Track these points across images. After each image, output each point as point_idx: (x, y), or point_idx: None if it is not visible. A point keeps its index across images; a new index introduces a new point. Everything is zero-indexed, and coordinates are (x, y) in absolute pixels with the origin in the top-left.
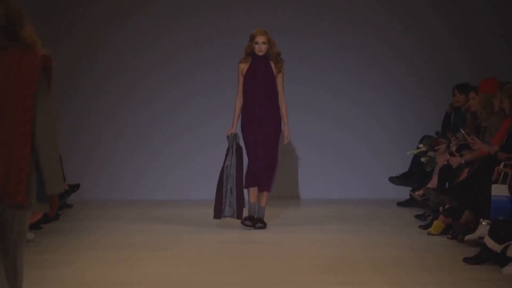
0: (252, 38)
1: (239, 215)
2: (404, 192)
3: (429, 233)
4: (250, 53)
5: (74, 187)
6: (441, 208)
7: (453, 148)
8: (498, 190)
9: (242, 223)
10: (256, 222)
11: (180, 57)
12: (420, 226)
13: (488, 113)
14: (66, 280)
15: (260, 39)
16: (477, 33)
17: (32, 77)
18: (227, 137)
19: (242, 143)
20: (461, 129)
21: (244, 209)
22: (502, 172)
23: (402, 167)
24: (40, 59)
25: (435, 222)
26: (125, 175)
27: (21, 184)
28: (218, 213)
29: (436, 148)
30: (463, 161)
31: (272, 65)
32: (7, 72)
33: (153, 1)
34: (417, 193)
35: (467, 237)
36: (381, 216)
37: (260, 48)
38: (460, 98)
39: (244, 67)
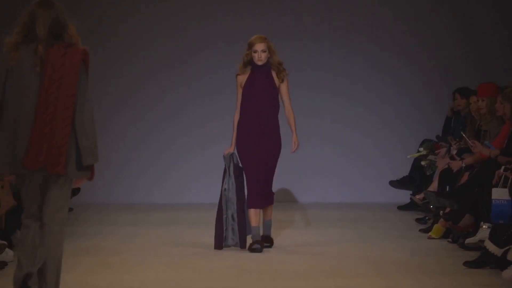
0: (250, 46)
1: (242, 244)
2: (404, 196)
3: (429, 237)
4: (249, 63)
5: (74, 191)
6: (441, 212)
7: (454, 152)
8: (499, 194)
9: (250, 250)
10: (263, 241)
11: (178, 61)
12: (420, 230)
13: (492, 117)
14: (68, 284)
15: (259, 47)
16: (482, 35)
17: (74, 69)
18: (223, 157)
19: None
20: (462, 133)
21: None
22: (503, 176)
23: (403, 171)
24: (81, 54)
25: (436, 226)
26: (124, 178)
27: (60, 157)
28: (219, 243)
29: (436, 152)
30: (463, 165)
31: (274, 74)
32: (52, 66)
33: (155, 3)
34: (417, 196)
35: (468, 240)
36: (382, 220)
37: (260, 57)
38: (461, 102)
39: (243, 78)
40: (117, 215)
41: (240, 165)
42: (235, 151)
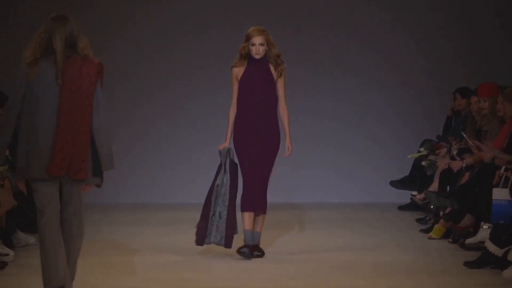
0: (248, 38)
1: (227, 243)
2: (405, 196)
3: (430, 238)
4: (246, 56)
5: None
6: (441, 212)
7: (454, 152)
8: (499, 194)
9: (239, 253)
10: (253, 250)
11: (177, 57)
12: (421, 230)
13: (493, 117)
14: None
15: (257, 40)
16: (483, 35)
17: (91, 80)
18: (219, 152)
19: (236, 159)
20: (462, 133)
21: (235, 236)
22: (503, 176)
23: (403, 171)
24: (97, 66)
25: (436, 226)
26: (124, 178)
27: (83, 163)
28: (201, 239)
29: (437, 152)
30: (464, 165)
31: (272, 68)
32: (71, 77)
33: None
34: (418, 196)
35: (468, 240)
36: (382, 220)
37: (258, 50)
38: (462, 102)
39: (239, 71)
40: (117, 215)
41: (236, 160)
42: (232, 146)
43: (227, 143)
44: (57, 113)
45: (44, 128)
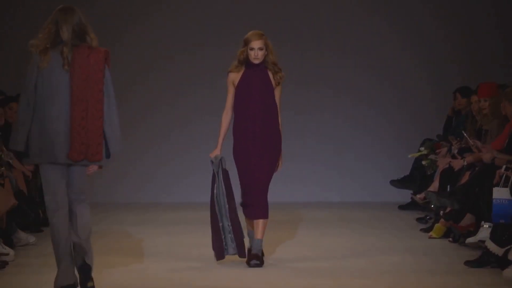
0: (247, 42)
1: (241, 252)
2: (405, 195)
3: (430, 237)
4: (244, 61)
5: None
6: (441, 212)
7: (455, 151)
8: (500, 194)
9: (249, 265)
10: (251, 258)
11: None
12: (421, 230)
13: (493, 117)
14: None
15: (256, 44)
16: (482, 35)
17: (98, 67)
18: (211, 161)
19: (228, 166)
20: (463, 132)
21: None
22: (504, 176)
23: (404, 170)
24: (103, 53)
25: (437, 225)
26: (124, 178)
27: (99, 146)
28: (221, 253)
29: (437, 151)
30: (465, 163)
31: (270, 74)
32: (80, 64)
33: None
34: (418, 196)
35: (468, 240)
36: (383, 220)
37: (257, 55)
38: (462, 101)
39: (235, 77)
40: (117, 215)
41: (227, 169)
42: (225, 155)
43: (218, 150)
44: (69, 101)
45: (56, 115)
